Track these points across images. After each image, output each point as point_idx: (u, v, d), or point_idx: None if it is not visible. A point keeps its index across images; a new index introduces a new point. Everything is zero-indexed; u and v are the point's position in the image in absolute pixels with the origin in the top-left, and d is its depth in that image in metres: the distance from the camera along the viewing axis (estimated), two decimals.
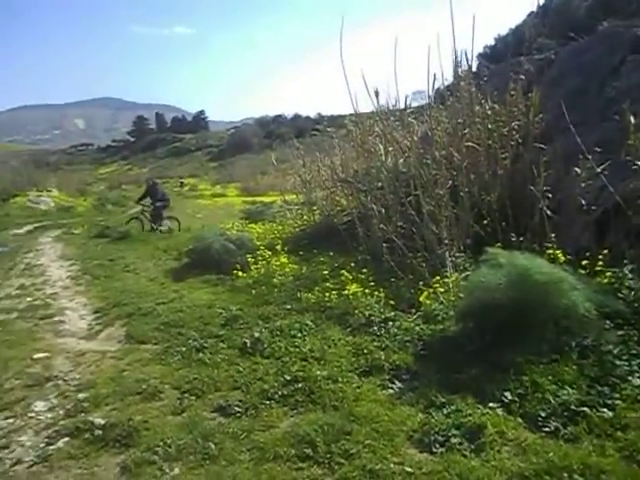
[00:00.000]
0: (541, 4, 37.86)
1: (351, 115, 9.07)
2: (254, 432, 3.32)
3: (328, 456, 2.95)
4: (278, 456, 3.01)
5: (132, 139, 79.66)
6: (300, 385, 3.82)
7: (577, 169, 5.28)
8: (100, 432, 3.48)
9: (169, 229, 14.40)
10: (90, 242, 13.36)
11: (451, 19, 6.82)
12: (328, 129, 10.90)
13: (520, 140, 6.53)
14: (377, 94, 8.05)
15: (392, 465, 2.81)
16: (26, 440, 3.57)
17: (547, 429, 2.99)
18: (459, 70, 7.19)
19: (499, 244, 5.09)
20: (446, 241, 5.77)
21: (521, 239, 5.40)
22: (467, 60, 7.25)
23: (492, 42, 38.96)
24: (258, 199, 23.02)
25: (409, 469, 2.76)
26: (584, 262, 4.65)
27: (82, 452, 3.31)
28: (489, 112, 6.85)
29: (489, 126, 6.72)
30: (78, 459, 3.24)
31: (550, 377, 3.39)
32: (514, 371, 3.50)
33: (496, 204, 6.21)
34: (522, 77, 6.85)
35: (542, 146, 6.21)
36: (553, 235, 5.18)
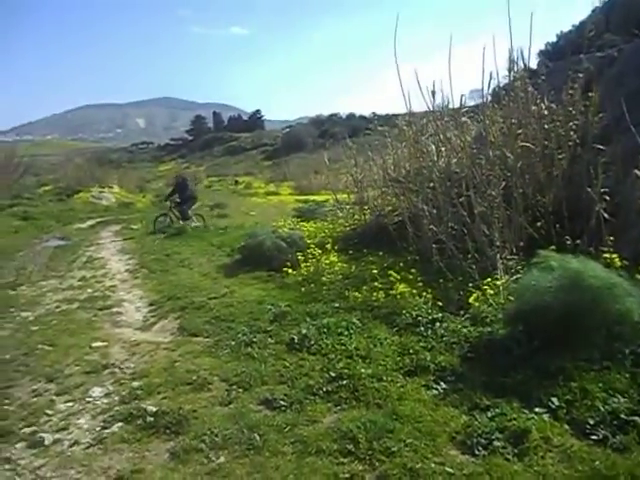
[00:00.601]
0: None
1: (404, 115, 9.01)
2: (298, 426, 3.40)
3: (369, 453, 2.99)
4: (320, 450, 3.07)
5: (190, 138, 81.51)
6: (345, 382, 3.88)
7: (637, 171, 5.08)
8: (152, 419, 3.64)
9: (204, 225, 14.74)
10: (147, 237, 13.81)
11: (508, 16, 6.68)
12: (379, 128, 10.82)
13: (578, 140, 6.34)
14: (434, 94, 7.98)
15: (433, 465, 2.83)
16: (83, 423, 3.79)
17: (595, 437, 2.94)
18: (514, 69, 7.03)
19: (553, 247, 4.98)
20: (498, 243, 5.67)
21: (576, 242, 5.26)
22: (523, 59, 7.07)
23: (554, 39, 37.82)
24: (311, 198, 23.12)
25: (450, 470, 2.77)
26: None
27: (134, 437, 3.48)
28: (545, 112, 6.68)
29: (545, 126, 6.56)
30: (131, 443, 3.42)
31: (600, 384, 3.31)
32: (562, 377, 3.44)
33: (551, 206, 6.07)
34: (580, 75, 6.63)
35: (601, 147, 6.01)
36: (610, 239, 5.03)
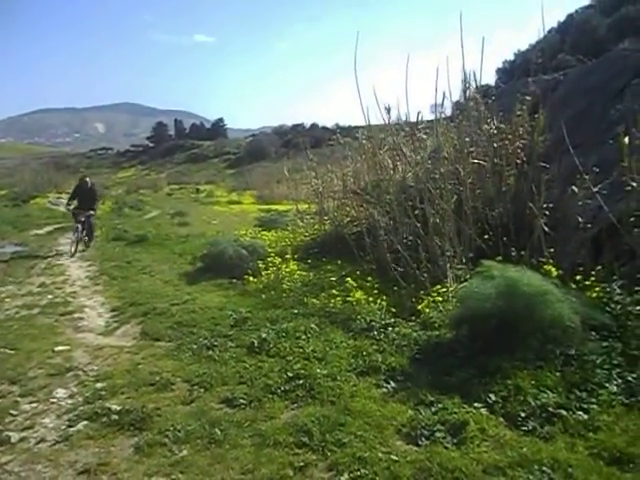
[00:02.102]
0: (561, 21, 38.08)
1: (363, 128, 9.36)
2: (257, 422, 3.62)
3: (322, 444, 3.24)
4: (277, 443, 3.30)
5: (151, 144, 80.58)
6: (301, 382, 4.12)
7: (574, 188, 5.51)
8: (116, 417, 3.79)
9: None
10: (108, 244, 13.73)
11: (460, 40, 7.11)
12: (341, 141, 11.17)
13: (524, 159, 6.78)
14: (388, 110, 8.36)
15: (380, 454, 3.09)
16: (49, 422, 3.90)
17: (525, 428, 3.26)
18: (467, 90, 7.46)
19: (499, 258, 5.35)
20: (448, 253, 6.02)
21: (521, 254, 5.65)
22: (475, 80, 7.51)
23: (512, 57, 39.16)
24: (273, 207, 23.31)
25: (395, 457, 3.04)
26: (577, 277, 4.92)
27: (99, 434, 3.63)
28: (495, 131, 7.12)
29: (495, 144, 6.98)
30: (96, 440, 3.56)
31: (533, 382, 3.65)
32: (500, 375, 3.77)
33: (499, 219, 6.47)
34: (528, 98, 7.10)
35: (545, 165, 6.45)
36: (550, 251, 5.45)
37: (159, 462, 3.21)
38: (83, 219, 12.64)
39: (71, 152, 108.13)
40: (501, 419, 3.39)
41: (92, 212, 12.99)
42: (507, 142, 6.97)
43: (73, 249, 12.10)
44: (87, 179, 13.50)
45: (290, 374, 4.27)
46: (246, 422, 3.61)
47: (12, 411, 4.08)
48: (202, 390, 4.22)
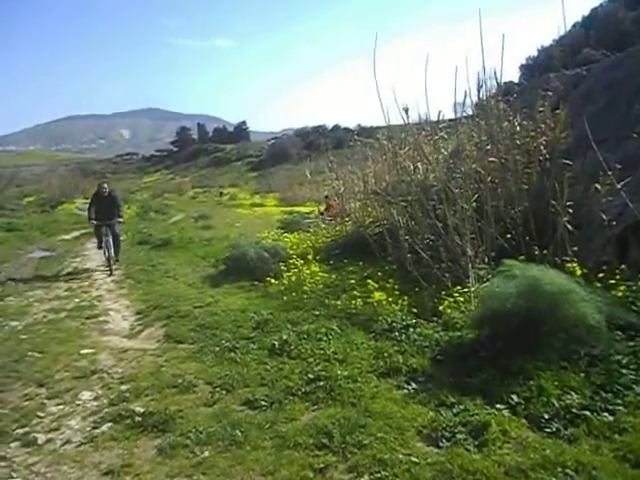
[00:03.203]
0: (586, 15, 37.43)
1: (384, 128, 9.33)
2: (277, 423, 3.64)
3: (342, 446, 3.24)
4: (297, 444, 3.31)
5: (175, 149, 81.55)
6: (322, 383, 4.12)
7: (597, 185, 5.42)
8: (140, 419, 3.86)
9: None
10: (133, 248, 13.94)
11: (480, 36, 7.02)
12: (359, 142, 11.16)
13: (547, 156, 6.68)
14: (407, 110, 8.31)
15: (400, 455, 3.08)
16: (74, 424, 4.00)
17: (548, 430, 3.20)
18: (485, 88, 7.38)
19: (522, 257, 5.28)
20: (469, 253, 5.97)
21: (544, 253, 5.57)
22: (495, 78, 7.42)
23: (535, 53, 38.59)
24: (295, 209, 23.38)
25: (415, 459, 3.02)
26: (602, 276, 4.83)
27: (123, 435, 3.70)
28: (518, 128, 7.03)
29: (517, 141, 6.89)
30: (120, 441, 3.63)
31: (556, 382, 3.59)
32: (522, 376, 3.72)
33: (521, 218, 6.38)
34: (550, 94, 7.00)
35: (568, 162, 6.35)
36: (574, 249, 5.36)
37: (181, 463, 3.25)
38: (106, 232, 10.99)
39: (97, 158, 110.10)
40: (524, 421, 3.34)
41: (115, 221, 11.32)
42: (529, 139, 6.88)
43: (109, 268, 10.64)
44: (105, 185, 11.71)
45: (311, 376, 4.28)
46: (267, 424, 3.63)
47: (39, 413, 4.19)
48: (224, 392, 4.26)
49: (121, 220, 11.73)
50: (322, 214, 15.34)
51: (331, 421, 3.48)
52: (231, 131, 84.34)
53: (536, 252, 5.63)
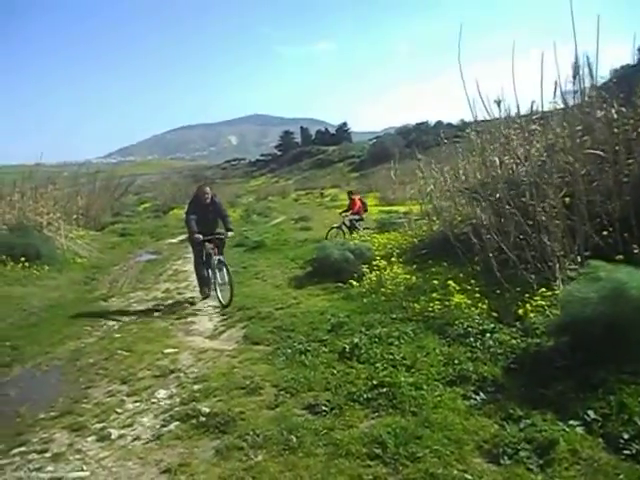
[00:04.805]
0: None
1: (472, 123, 8.92)
2: (334, 430, 3.56)
3: (395, 457, 3.11)
4: (350, 453, 3.22)
5: (279, 153, 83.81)
6: (385, 390, 3.99)
7: None
8: (204, 419, 3.95)
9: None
10: (229, 251, 14.39)
11: (572, 19, 6.48)
12: (445, 140, 10.75)
13: None
14: (499, 103, 7.87)
15: (455, 471, 2.89)
16: (146, 421, 4.16)
17: (627, 452, 2.88)
18: (579, 76, 6.80)
19: (620, 257, 4.82)
20: (558, 253, 5.53)
21: None
22: (589, 65, 6.81)
23: None
24: (394, 208, 23.04)
25: (469, 477, 2.83)
26: None
27: (187, 435, 3.79)
28: (615, 116, 6.42)
29: (615, 130, 6.30)
30: (183, 440, 3.73)
31: None
32: (602, 390, 3.37)
33: (619, 213, 5.82)
34: None
35: None
36: None
37: (234, 466, 3.26)
38: (213, 250, 8.43)
39: (207, 164, 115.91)
40: (599, 440, 3.02)
41: (225, 235, 8.65)
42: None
43: (222, 298, 8.02)
44: (207, 189, 8.82)
45: (375, 382, 4.15)
46: (323, 430, 3.56)
47: (117, 409, 4.41)
48: (288, 395, 4.25)
49: (232, 234, 8.83)
50: (345, 212, 15.07)
51: (387, 430, 3.35)
52: (333, 133, 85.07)
53: (635, 251, 5.10)
